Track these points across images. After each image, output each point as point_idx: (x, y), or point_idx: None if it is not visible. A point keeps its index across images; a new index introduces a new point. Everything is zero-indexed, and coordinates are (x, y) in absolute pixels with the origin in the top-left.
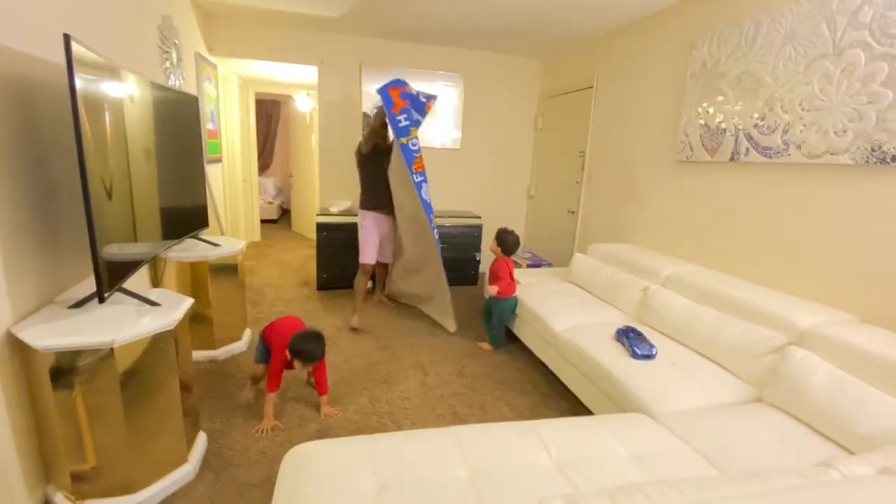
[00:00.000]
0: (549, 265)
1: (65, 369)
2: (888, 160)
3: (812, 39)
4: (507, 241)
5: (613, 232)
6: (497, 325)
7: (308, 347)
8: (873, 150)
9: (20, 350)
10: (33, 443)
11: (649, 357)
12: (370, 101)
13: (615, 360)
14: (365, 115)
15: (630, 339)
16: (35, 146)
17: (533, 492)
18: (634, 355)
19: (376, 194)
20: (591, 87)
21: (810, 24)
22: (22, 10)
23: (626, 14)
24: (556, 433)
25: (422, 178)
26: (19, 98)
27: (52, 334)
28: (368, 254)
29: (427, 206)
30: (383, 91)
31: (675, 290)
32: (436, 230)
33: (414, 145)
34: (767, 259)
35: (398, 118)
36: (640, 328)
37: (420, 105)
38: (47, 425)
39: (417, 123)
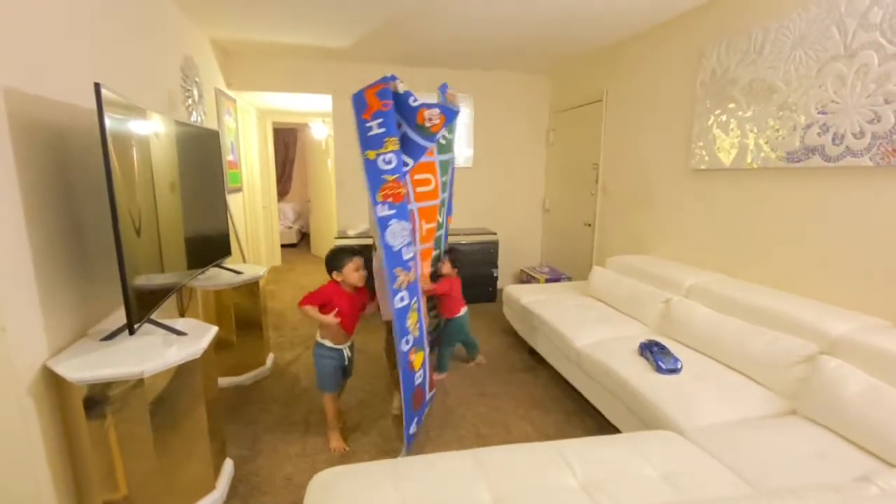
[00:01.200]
0: (569, 279)
1: (97, 400)
2: None
3: (822, 43)
4: (461, 261)
5: (632, 243)
6: (448, 348)
7: (338, 251)
8: (894, 150)
9: (55, 383)
10: (68, 473)
11: (675, 371)
12: None
13: (639, 375)
14: None
15: (654, 353)
16: (66, 186)
17: None
18: (659, 370)
19: None
20: (601, 99)
21: (819, 27)
22: (54, 60)
23: (631, 27)
24: (581, 453)
25: (393, 210)
26: (51, 141)
27: (85, 367)
28: (386, 307)
29: (391, 256)
30: (357, 96)
31: (699, 301)
32: (400, 294)
33: (388, 162)
34: (792, 266)
35: (368, 125)
36: (663, 341)
37: (409, 110)
38: (81, 455)
39: (408, 141)
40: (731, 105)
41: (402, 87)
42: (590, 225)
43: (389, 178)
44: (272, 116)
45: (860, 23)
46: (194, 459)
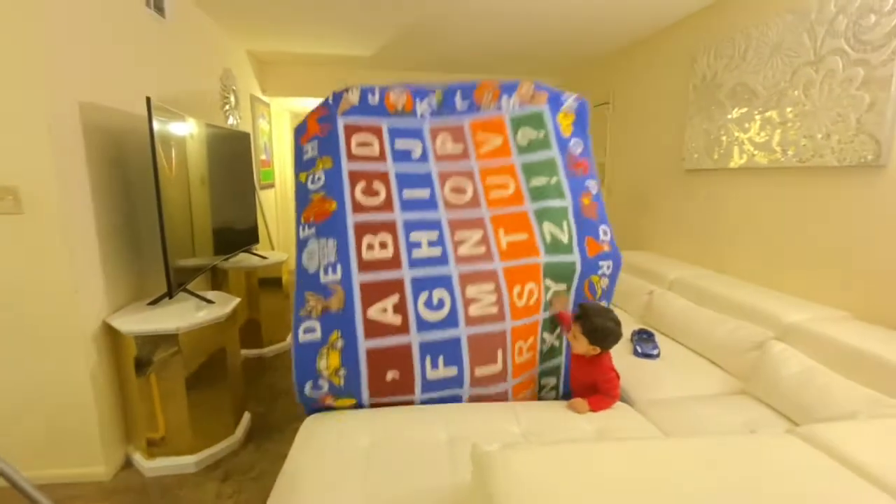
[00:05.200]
0: None
1: (143, 355)
2: (869, 160)
3: (796, 49)
4: (598, 328)
5: (633, 241)
6: None
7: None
8: (855, 151)
9: (112, 335)
10: (120, 412)
11: (649, 357)
12: None
13: (615, 356)
14: None
15: (640, 339)
16: (123, 179)
17: None
18: (635, 352)
19: None
20: (608, 102)
21: (793, 34)
22: (118, 78)
23: (634, 32)
24: (531, 412)
25: (313, 230)
26: (111, 143)
27: (134, 323)
28: None
29: (305, 279)
30: (300, 124)
31: (679, 293)
32: (306, 324)
33: (315, 181)
34: (773, 260)
35: (304, 148)
36: (650, 331)
37: (375, 108)
38: (130, 399)
39: (400, 132)
40: (719, 108)
41: (354, 94)
42: None
43: (315, 195)
44: None
45: (828, 30)
46: (218, 410)
